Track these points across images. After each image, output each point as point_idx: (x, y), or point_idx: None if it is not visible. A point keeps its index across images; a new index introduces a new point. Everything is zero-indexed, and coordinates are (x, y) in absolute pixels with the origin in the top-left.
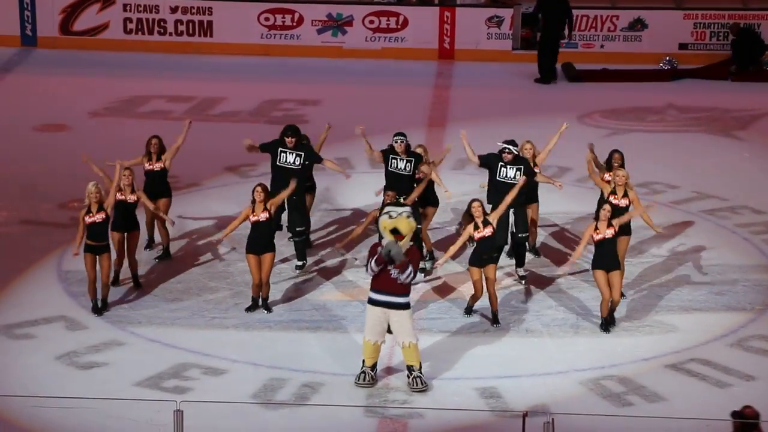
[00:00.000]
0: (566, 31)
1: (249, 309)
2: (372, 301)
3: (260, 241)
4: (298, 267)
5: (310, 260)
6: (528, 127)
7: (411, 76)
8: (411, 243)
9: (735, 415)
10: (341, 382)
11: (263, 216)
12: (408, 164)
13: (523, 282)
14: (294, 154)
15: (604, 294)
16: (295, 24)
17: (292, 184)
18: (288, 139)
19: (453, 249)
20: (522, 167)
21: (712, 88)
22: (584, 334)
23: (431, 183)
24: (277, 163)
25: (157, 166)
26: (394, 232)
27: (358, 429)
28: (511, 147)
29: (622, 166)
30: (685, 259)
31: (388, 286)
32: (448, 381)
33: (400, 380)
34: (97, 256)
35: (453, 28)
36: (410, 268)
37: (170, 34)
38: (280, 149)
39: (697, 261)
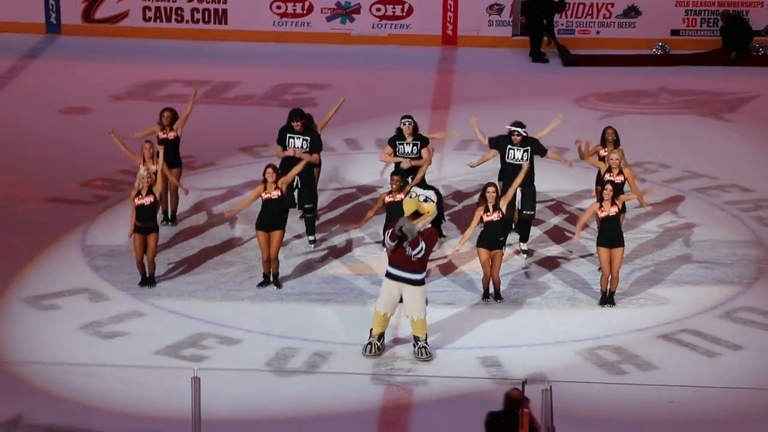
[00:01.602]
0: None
1: (261, 285)
2: (388, 275)
3: (270, 219)
4: (311, 242)
5: (319, 236)
6: (527, 110)
7: (416, 62)
8: (429, 225)
9: (505, 396)
10: (350, 351)
11: (275, 194)
12: (414, 147)
13: (525, 256)
14: (301, 139)
15: (605, 271)
16: (305, 12)
17: (302, 162)
18: (295, 124)
19: (467, 233)
20: (529, 148)
21: (702, 73)
22: (581, 307)
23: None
24: (286, 146)
25: (171, 135)
26: (416, 214)
27: (366, 395)
28: (519, 129)
29: (616, 141)
30: (677, 235)
31: (403, 262)
32: (452, 350)
33: (407, 350)
34: (146, 236)
35: (456, 16)
36: (421, 245)
37: (187, 21)
38: (288, 135)
39: (688, 237)
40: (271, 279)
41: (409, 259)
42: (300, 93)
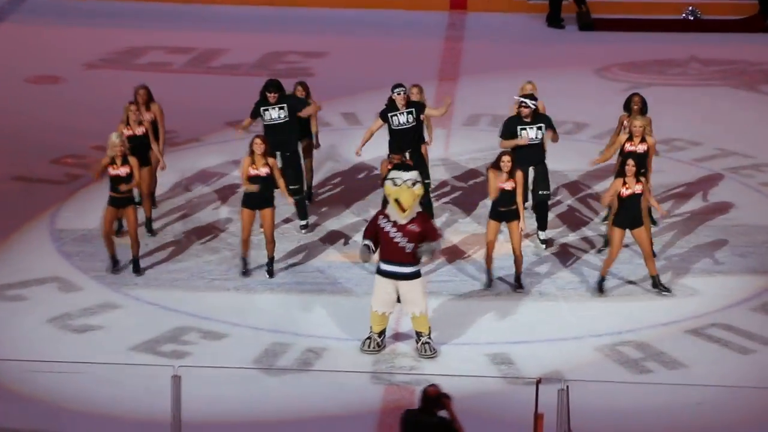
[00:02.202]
0: None
1: (244, 273)
2: (381, 272)
3: (258, 196)
4: (303, 227)
5: (313, 220)
6: (544, 81)
7: (421, 28)
8: (419, 210)
9: (422, 393)
10: (346, 348)
11: (263, 170)
12: (410, 116)
13: (545, 247)
14: (277, 109)
15: (613, 253)
16: None
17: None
18: (270, 95)
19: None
20: (543, 125)
21: (737, 40)
22: (600, 298)
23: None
24: (264, 122)
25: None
26: (398, 202)
27: (364, 396)
28: (528, 101)
29: (643, 110)
30: (707, 219)
31: (397, 256)
32: (458, 346)
33: (408, 346)
34: (121, 209)
35: None
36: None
37: None
38: (262, 108)
39: (719, 221)
40: (266, 265)
41: (404, 251)
42: (294, 62)
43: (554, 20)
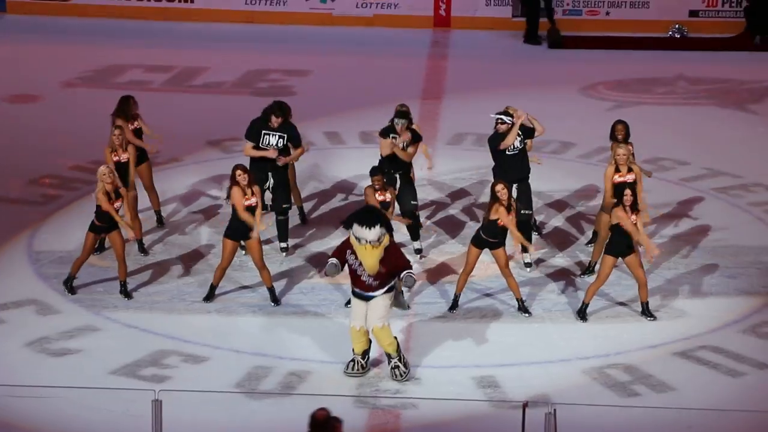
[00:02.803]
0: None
1: (207, 298)
2: (355, 294)
3: (245, 226)
4: (283, 249)
5: (296, 242)
6: (529, 100)
7: (405, 45)
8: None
9: (310, 418)
10: (330, 371)
11: (253, 200)
12: (405, 144)
13: (529, 270)
14: (277, 137)
15: (601, 281)
16: None
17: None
18: (274, 119)
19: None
20: (521, 132)
21: (725, 59)
22: (588, 320)
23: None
24: (260, 144)
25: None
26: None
27: (348, 420)
28: (504, 117)
29: (626, 138)
30: (695, 241)
31: (365, 288)
32: (444, 369)
33: None
34: (105, 235)
35: None
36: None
37: None
38: (263, 131)
39: (707, 242)
40: (270, 295)
41: (371, 286)
42: (276, 80)
43: (532, 37)
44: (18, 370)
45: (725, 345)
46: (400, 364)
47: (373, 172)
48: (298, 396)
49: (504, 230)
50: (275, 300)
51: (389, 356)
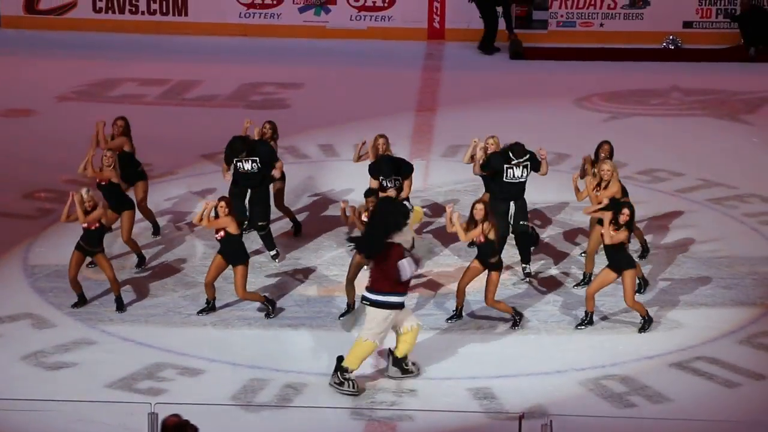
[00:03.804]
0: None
1: (202, 311)
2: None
3: (232, 253)
4: (274, 257)
5: (294, 253)
6: (523, 112)
7: (399, 58)
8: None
9: (162, 424)
10: (326, 383)
11: (222, 234)
12: (396, 182)
13: (528, 280)
14: (250, 161)
15: (595, 289)
16: (275, 2)
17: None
18: (240, 154)
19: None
20: (528, 163)
21: (719, 70)
22: (584, 331)
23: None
24: (237, 169)
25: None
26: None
27: None
28: (520, 160)
29: (609, 158)
30: (691, 251)
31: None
32: (440, 381)
33: (389, 382)
34: (90, 258)
35: (443, 7)
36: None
37: (142, 13)
38: (235, 159)
39: (703, 253)
40: (266, 306)
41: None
42: (269, 93)
43: (486, 46)
44: (13, 384)
45: (721, 356)
46: (343, 380)
47: (367, 194)
48: (294, 408)
49: (497, 250)
50: (269, 312)
51: (341, 361)
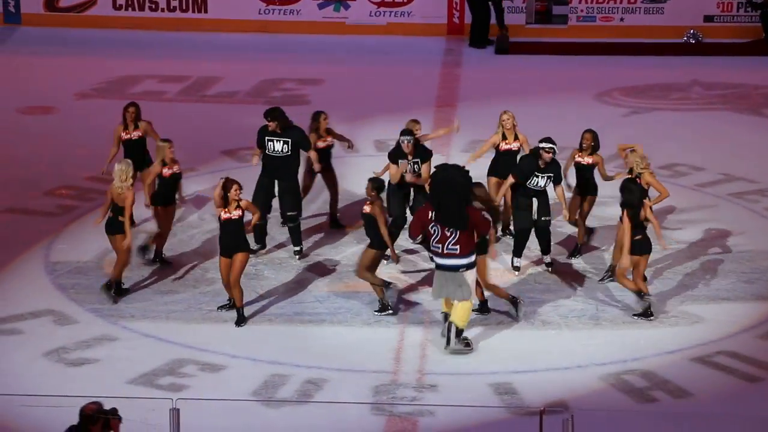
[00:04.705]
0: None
1: (222, 307)
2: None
3: (231, 240)
4: (296, 253)
5: (314, 248)
6: (543, 107)
7: (418, 53)
8: None
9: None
10: (346, 379)
11: (236, 213)
12: (415, 165)
13: (550, 269)
14: (281, 142)
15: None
16: None
17: (256, 215)
18: (270, 124)
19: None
20: (553, 175)
21: (739, 64)
22: (605, 326)
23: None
24: (267, 152)
25: (135, 134)
26: None
27: (365, 428)
28: (552, 145)
29: (593, 147)
30: (712, 246)
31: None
32: (461, 376)
33: (409, 377)
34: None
35: (462, 2)
36: None
37: (162, 10)
38: (267, 138)
39: (724, 247)
40: (236, 311)
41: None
42: (289, 89)
43: (477, 40)
44: (36, 380)
45: (742, 350)
46: (465, 342)
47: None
48: (315, 404)
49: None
50: (241, 321)
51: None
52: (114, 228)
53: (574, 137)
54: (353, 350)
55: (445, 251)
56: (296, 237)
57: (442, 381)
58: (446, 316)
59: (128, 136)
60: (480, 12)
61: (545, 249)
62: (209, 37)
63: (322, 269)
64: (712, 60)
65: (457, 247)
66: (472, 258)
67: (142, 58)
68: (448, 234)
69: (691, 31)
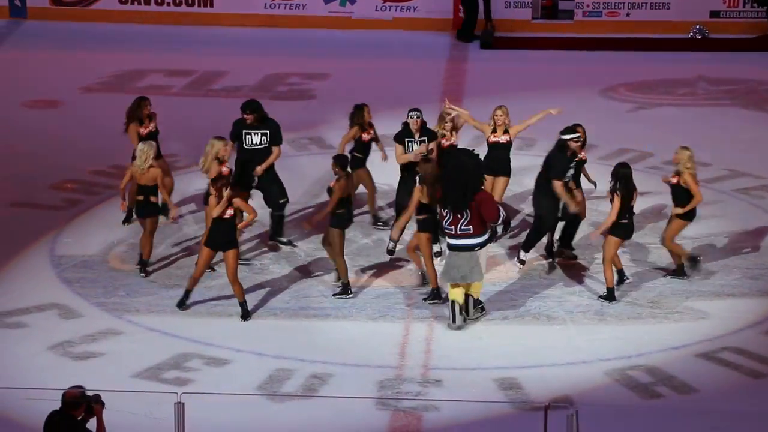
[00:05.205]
0: None
1: (181, 304)
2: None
3: (221, 236)
4: (286, 243)
5: (320, 243)
6: (549, 102)
7: (424, 48)
8: None
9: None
10: (351, 373)
11: (228, 212)
12: (423, 144)
13: (576, 259)
14: (260, 134)
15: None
16: None
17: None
18: (247, 117)
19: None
20: (583, 164)
21: (745, 59)
22: (610, 322)
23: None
24: (244, 146)
25: (152, 126)
26: None
27: (370, 422)
28: (578, 135)
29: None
30: (717, 242)
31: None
32: (465, 371)
33: (414, 372)
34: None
35: None
36: None
37: (168, 4)
38: (245, 131)
39: (729, 243)
40: (240, 306)
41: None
42: (295, 84)
43: (464, 34)
44: (41, 374)
45: (747, 346)
46: (482, 308)
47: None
48: (319, 398)
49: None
50: (246, 315)
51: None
52: (147, 210)
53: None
54: (358, 345)
55: (458, 232)
56: (280, 227)
57: (446, 376)
58: (457, 304)
59: (147, 129)
60: (468, 5)
61: (568, 243)
62: (215, 32)
63: (327, 264)
64: (718, 55)
65: (470, 227)
66: (486, 236)
67: (148, 52)
68: (460, 216)
69: (697, 26)
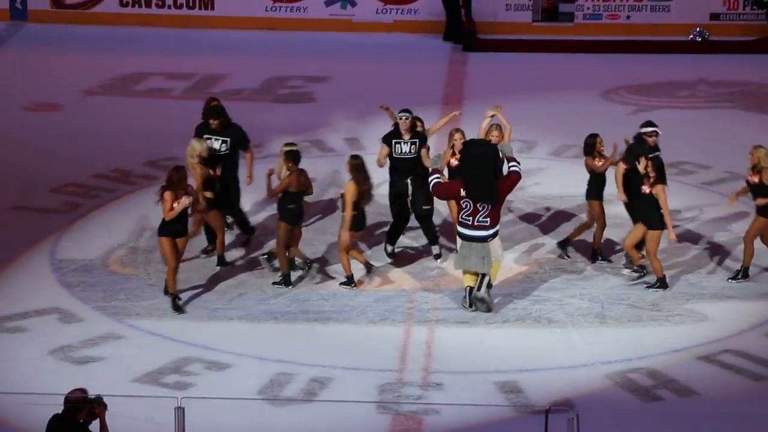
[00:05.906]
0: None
1: (176, 308)
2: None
3: (180, 224)
4: (247, 233)
5: (319, 247)
6: (550, 105)
7: (425, 51)
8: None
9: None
10: (352, 377)
11: (186, 201)
12: (412, 146)
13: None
14: (220, 141)
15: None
16: None
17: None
18: (212, 122)
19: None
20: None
21: (746, 62)
22: (610, 325)
23: None
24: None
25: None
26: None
27: (370, 426)
28: (655, 128)
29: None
30: (718, 244)
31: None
32: (466, 375)
33: (415, 375)
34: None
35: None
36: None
37: (169, 7)
38: (205, 136)
39: (730, 246)
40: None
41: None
42: (296, 87)
43: (450, 35)
44: (41, 378)
45: (748, 349)
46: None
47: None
48: (320, 402)
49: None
50: (176, 306)
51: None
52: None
53: (581, 134)
54: (359, 349)
55: (476, 224)
56: (247, 224)
57: (447, 379)
58: (470, 289)
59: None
60: (452, 7)
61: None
62: (216, 35)
63: (327, 267)
64: (718, 58)
65: (488, 219)
66: (497, 227)
67: (149, 55)
68: (480, 208)
69: (698, 29)
